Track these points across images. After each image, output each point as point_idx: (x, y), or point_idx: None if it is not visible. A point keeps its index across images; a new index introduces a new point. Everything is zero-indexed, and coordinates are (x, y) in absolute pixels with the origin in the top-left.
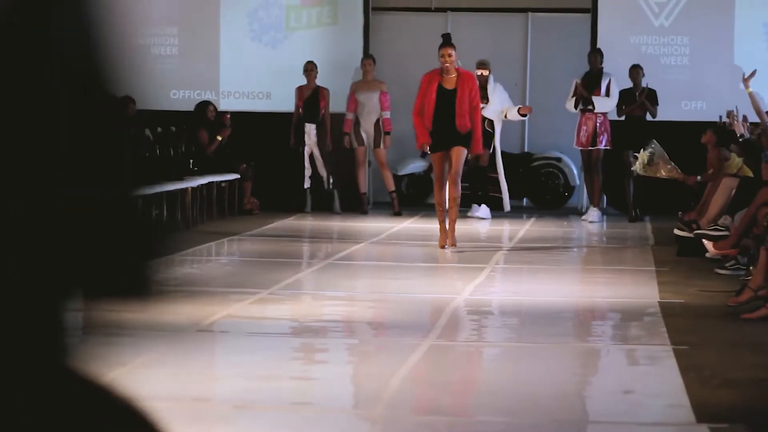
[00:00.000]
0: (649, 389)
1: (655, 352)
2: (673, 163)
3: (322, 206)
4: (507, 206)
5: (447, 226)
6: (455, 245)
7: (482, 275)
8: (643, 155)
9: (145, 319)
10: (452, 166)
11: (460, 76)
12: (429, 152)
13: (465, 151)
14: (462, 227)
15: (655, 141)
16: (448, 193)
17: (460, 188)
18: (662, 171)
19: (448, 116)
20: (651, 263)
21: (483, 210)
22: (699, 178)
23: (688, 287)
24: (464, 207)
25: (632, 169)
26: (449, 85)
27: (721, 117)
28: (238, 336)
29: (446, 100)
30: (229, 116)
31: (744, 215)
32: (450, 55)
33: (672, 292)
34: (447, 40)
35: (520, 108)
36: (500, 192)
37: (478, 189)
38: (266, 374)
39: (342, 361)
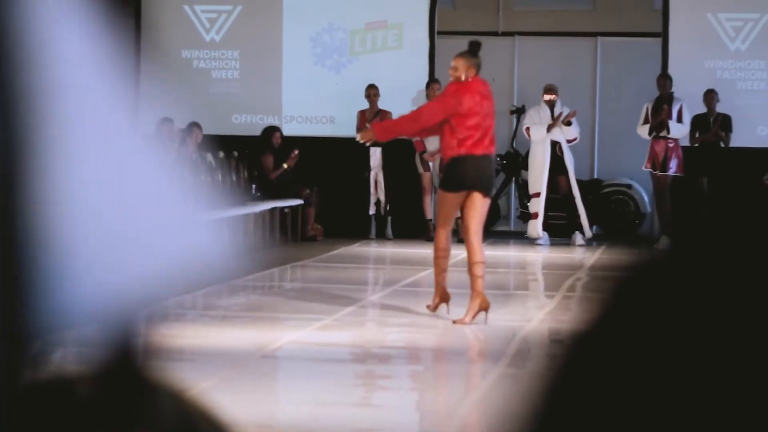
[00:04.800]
0: None
1: None
2: None
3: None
4: (588, 232)
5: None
6: (468, 321)
7: (553, 302)
8: None
9: (209, 344)
10: (470, 218)
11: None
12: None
13: (488, 203)
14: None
15: None
16: (471, 255)
17: (482, 249)
18: None
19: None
20: None
21: (545, 237)
22: None
23: None
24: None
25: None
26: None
27: None
28: (302, 362)
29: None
30: (297, 152)
31: None
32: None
33: None
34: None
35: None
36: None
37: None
38: (330, 401)
39: (406, 388)
